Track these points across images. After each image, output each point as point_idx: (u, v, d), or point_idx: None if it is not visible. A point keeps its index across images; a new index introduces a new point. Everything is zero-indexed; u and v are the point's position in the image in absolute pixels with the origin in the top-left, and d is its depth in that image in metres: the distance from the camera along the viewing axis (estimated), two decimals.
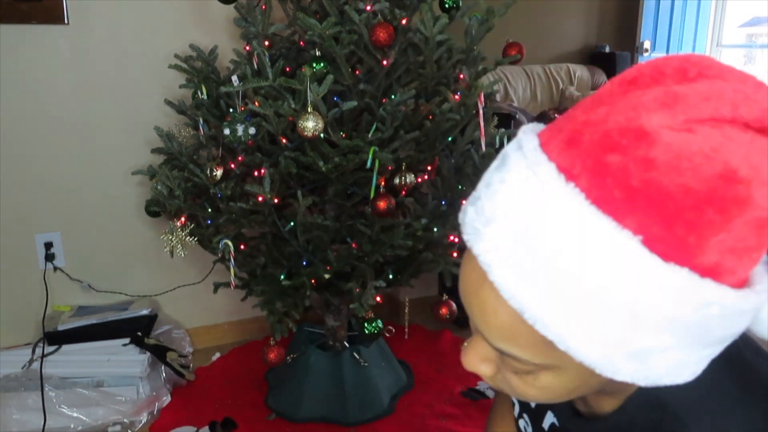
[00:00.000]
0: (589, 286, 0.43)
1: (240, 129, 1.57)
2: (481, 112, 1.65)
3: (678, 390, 0.51)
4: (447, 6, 1.67)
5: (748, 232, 0.42)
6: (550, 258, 0.43)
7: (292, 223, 1.68)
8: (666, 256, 0.42)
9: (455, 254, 1.81)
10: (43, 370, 1.90)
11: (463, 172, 1.78)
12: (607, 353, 0.46)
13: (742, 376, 0.57)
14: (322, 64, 1.52)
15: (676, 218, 0.41)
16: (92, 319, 2.06)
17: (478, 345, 0.55)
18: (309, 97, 1.45)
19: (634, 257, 0.42)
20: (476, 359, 0.55)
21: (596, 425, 0.62)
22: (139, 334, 2.03)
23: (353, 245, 1.66)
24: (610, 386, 0.56)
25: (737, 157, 0.41)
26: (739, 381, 0.56)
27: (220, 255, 1.81)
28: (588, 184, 0.43)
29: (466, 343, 0.56)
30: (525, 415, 0.79)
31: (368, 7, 1.54)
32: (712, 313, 0.44)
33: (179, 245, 1.73)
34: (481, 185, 0.49)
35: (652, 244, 0.42)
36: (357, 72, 1.66)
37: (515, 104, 5.07)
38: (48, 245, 2.14)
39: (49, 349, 1.98)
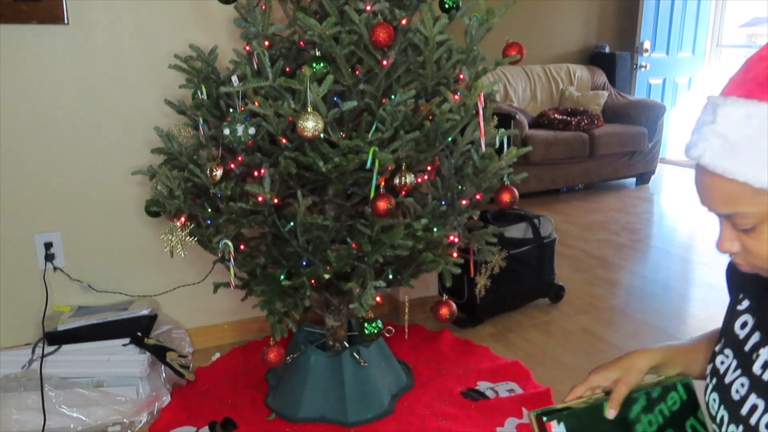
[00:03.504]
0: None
1: (240, 129, 1.57)
2: (481, 112, 1.65)
3: None
4: (447, 6, 1.67)
5: None
6: (748, 143, 0.70)
7: (292, 223, 1.68)
8: None
9: (455, 254, 1.81)
10: (43, 370, 1.90)
11: (463, 172, 1.78)
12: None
13: None
14: (322, 64, 1.52)
15: None
16: (92, 319, 2.06)
17: (725, 230, 0.76)
18: (309, 97, 1.45)
19: None
20: (726, 242, 0.76)
21: None
22: (139, 334, 2.03)
23: (353, 245, 1.66)
24: None
25: None
26: None
27: (220, 255, 1.81)
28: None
29: (717, 238, 0.78)
30: (727, 351, 0.89)
31: (368, 7, 1.54)
32: None
33: (179, 245, 1.73)
34: (698, 135, 0.77)
35: None
36: (357, 72, 1.66)
37: (515, 104, 5.07)
38: (48, 245, 2.14)
39: (48, 349, 1.98)
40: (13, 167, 2.06)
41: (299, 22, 1.55)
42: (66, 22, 2.02)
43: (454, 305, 1.84)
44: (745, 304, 0.89)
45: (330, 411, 1.91)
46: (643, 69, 5.66)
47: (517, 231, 2.68)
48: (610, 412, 0.95)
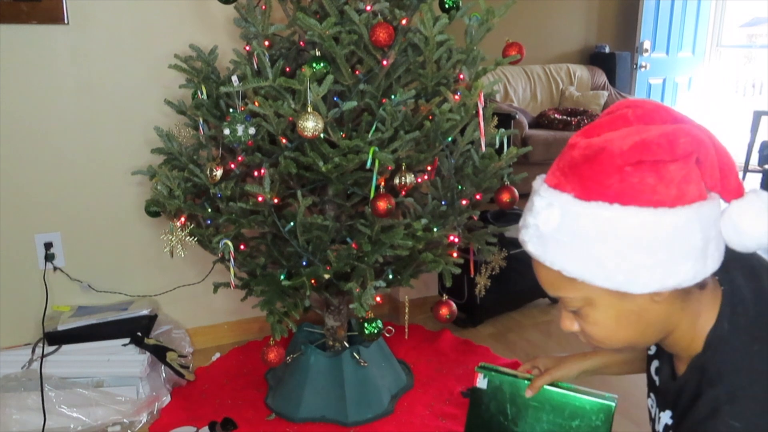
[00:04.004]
0: (577, 241, 0.73)
1: (240, 129, 1.57)
2: (481, 112, 1.65)
3: (717, 360, 0.74)
4: (447, 6, 1.67)
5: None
6: (554, 234, 0.74)
7: (292, 223, 1.68)
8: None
9: (455, 254, 1.81)
10: (42, 370, 1.90)
11: (463, 172, 1.78)
12: (603, 275, 0.72)
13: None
14: (322, 64, 1.52)
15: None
16: (92, 319, 2.06)
17: (563, 311, 0.83)
18: (309, 97, 1.45)
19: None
20: (566, 321, 0.83)
21: (673, 385, 0.84)
22: (139, 334, 2.03)
23: (353, 245, 1.66)
24: (671, 345, 0.82)
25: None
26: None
27: (220, 255, 1.81)
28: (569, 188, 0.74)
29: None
30: (651, 394, 0.95)
31: (368, 7, 1.54)
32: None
33: (179, 245, 1.73)
34: (524, 221, 0.81)
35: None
36: (357, 72, 1.66)
37: (515, 104, 5.07)
38: (48, 245, 2.14)
39: (48, 349, 1.98)
40: (13, 167, 2.06)
41: (299, 22, 1.55)
42: (66, 22, 2.02)
43: (454, 305, 1.84)
44: (653, 348, 0.96)
45: (330, 411, 1.91)
46: (643, 69, 5.66)
47: (517, 231, 2.68)
48: (527, 392, 1.09)
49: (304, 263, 1.70)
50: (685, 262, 0.71)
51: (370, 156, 1.51)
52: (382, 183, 1.61)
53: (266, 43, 1.70)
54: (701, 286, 0.76)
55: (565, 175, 0.74)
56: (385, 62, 1.61)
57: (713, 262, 0.74)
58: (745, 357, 0.73)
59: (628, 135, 0.70)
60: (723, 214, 0.74)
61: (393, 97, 1.58)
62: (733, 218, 0.73)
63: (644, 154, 0.68)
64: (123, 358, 1.99)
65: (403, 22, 1.61)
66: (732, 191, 0.74)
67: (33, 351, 1.99)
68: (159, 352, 2.04)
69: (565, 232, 0.73)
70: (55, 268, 2.17)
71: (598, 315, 0.77)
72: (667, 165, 0.69)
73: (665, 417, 0.86)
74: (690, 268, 0.71)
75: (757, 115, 5.26)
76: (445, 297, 1.86)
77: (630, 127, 0.73)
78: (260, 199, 1.62)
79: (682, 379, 0.81)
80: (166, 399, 2.02)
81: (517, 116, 4.44)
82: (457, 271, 1.78)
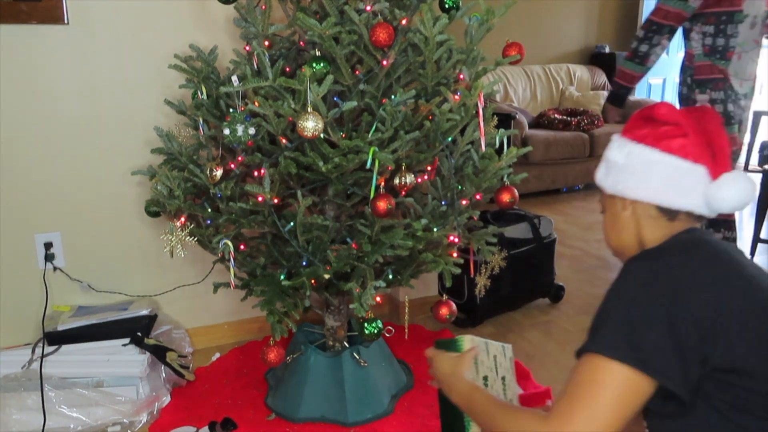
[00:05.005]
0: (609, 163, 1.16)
1: (240, 129, 1.57)
2: (481, 112, 1.65)
3: (652, 248, 1.06)
4: (447, 6, 1.67)
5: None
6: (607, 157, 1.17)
7: (292, 223, 1.68)
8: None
9: (455, 254, 1.81)
10: (42, 370, 1.90)
11: (463, 172, 1.78)
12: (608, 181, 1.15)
13: (686, 250, 1.02)
14: (322, 64, 1.52)
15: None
16: (92, 319, 2.06)
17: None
18: (309, 98, 1.45)
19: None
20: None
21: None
22: (139, 334, 2.03)
23: (353, 245, 1.66)
24: (622, 245, 1.21)
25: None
26: (686, 246, 1.03)
27: (220, 255, 1.81)
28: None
29: None
30: None
31: (368, 7, 1.54)
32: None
33: (179, 245, 1.73)
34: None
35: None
36: (357, 72, 1.66)
37: (515, 104, 5.07)
38: (48, 245, 2.14)
39: (48, 349, 1.98)
40: (13, 167, 2.06)
41: (299, 22, 1.55)
42: (66, 22, 2.02)
43: (454, 305, 1.84)
44: None
45: (330, 411, 1.91)
46: None
47: (517, 231, 2.68)
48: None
49: (304, 263, 1.70)
50: (633, 180, 1.10)
51: (370, 156, 1.51)
52: (382, 183, 1.61)
53: (266, 43, 1.70)
54: (670, 217, 1.09)
55: (626, 129, 1.16)
56: (385, 62, 1.61)
57: (656, 193, 1.08)
58: (658, 247, 1.05)
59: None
60: (711, 185, 1.05)
61: (393, 97, 1.58)
62: (711, 190, 1.04)
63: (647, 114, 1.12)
64: (123, 358, 1.99)
65: (403, 22, 1.61)
66: (720, 168, 1.06)
67: (33, 351, 1.99)
68: (159, 352, 2.04)
69: (611, 163, 1.17)
70: (55, 268, 2.17)
71: (605, 216, 1.23)
72: (656, 123, 1.09)
73: None
74: (633, 185, 1.10)
75: (757, 116, 5.26)
76: (445, 297, 1.86)
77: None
78: (260, 199, 1.62)
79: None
80: (166, 399, 2.02)
81: (517, 116, 4.44)
82: (457, 271, 1.78)
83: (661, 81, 5.83)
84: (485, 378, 1.29)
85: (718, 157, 1.06)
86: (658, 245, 1.06)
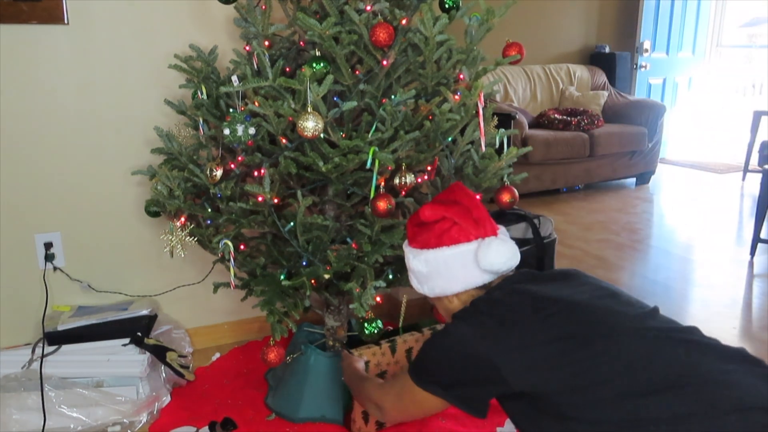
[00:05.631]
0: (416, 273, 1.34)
1: (240, 129, 1.57)
2: (481, 112, 1.65)
3: (466, 309, 1.24)
4: (447, 6, 1.67)
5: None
6: (411, 268, 1.36)
7: (292, 223, 1.68)
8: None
9: None
10: (42, 370, 1.90)
11: (463, 172, 1.78)
12: (425, 288, 1.33)
13: (488, 300, 1.22)
14: (322, 64, 1.52)
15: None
16: (92, 319, 2.06)
17: None
18: (309, 97, 1.45)
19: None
20: None
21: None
22: (139, 334, 2.03)
23: (353, 245, 1.66)
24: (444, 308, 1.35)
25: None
26: (481, 308, 1.21)
27: (220, 255, 1.81)
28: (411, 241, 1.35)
29: None
30: None
31: (368, 7, 1.54)
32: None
33: (179, 245, 1.73)
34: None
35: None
36: (357, 72, 1.66)
37: (515, 104, 5.07)
38: (48, 245, 2.14)
39: (48, 349, 1.98)
40: (13, 167, 2.06)
41: (299, 22, 1.55)
42: (66, 22, 2.02)
43: None
44: None
45: (330, 411, 1.91)
46: (643, 69, 5.66)
47: (517, 231, 2.68)
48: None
49: (304, 263, 1.70)
50: (441, 280, 1.28)
51: (370, 156, 1.51)
52: (382, 183, 1.61)
53: (266, 43, 1.70)
54: (485, 288, 1.27)
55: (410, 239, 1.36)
56: (385, 62, 1.61)
57: (464, 280, 1.26)
58: (468, 309, 1.23)
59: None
60: (477, 248, 1.24)
61: (393, 97, 1.58)
62: (478, 253, 1.23)
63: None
64: (123, 358, 1.99)
65: (403, 22, 1.61)
66: (489, 232, 1.25)
67: (33, 351, 1.99)
68: (159, 352, 2.04)
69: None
70: (55, 268, 2.17)
71: (438, 308, 1.37)
72: (430, 226, 1.27)
73: None
74: (445, 284, 1.28)
75: (757, 115, 5.26)
76: None
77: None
78: (260, 199, 1.62)
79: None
80: (166, 399, 2.02)
81: (517, 116, 4.44)
82: None
83: (661, 81, 5.83)
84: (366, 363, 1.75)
85: (481, 223, 1.25)
86: (470, 306, 1.24)
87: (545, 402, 1.08)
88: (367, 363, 1.76)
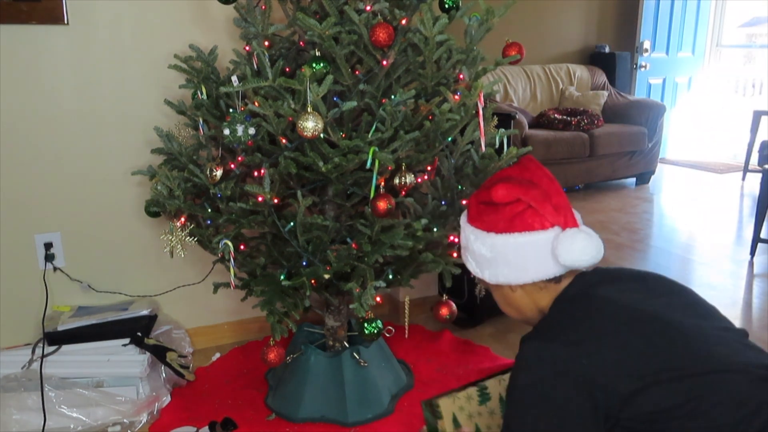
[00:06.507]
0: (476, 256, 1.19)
1: (240, 129, 1.57)
2: (481, 112, 1.65)
3: (541, 323, 1.12)
4: (447, 6, 1.67)
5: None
6: (470, 249, 1.20)
7: (292, 224, 1.68)
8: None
9: (455, 254, 1.81)
10: (43, 371, 1.90)
11: (463, 172, 1.78)
12: (485, 274, 1.19)
13: (573, 316, 1.07)
14: (322, 64, 1.52)
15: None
16: (92, 320, 2.06)
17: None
18: (309, 97, 1.45)
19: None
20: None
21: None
22: (139, 334, 2.03)
23: (353, 245, 1.66)
24: (525, 316, 1.23)
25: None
26: (567, 320, 1.07)
27: (220, 255, 1.81)
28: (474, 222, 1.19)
29: None
30: None
31: (368, 7, 1.54)
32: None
33: (179, 245, 1.73)
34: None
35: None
36: (357, 72, 1.66)
37: (515, 104, 5.07)
38: (48, 245, 2.14)
39: (49, 349, 1.98)
40: (13, 167, 2.06)
41: (299, 22, 1.55)
42: (66, 22, 2.02)
43: (454, 305, 1.84)
44: None
45: (330, 411, 1.91)
46: (643, 69, 5.66)
47: None
48: None
49: (304, 263, 1.70)
50: (508, 269, 1.14)
51: (370, 156, 1.51)
52: (382, 183, 1.61)
53: (266, 43, 1.70)
54: (557, 281, 1.14)
55: (472, 218, 1.20)
56: (385, 62, 1.61)
57: (535, 272, 1.12)
58: (554, 317, 1.10)
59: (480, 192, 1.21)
60: (556, 240, 1.09)
61: (393, 97, 1.58)
62: (558, 245, 1.09)
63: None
64: (123, 358, 1.99)
65: (403, 22, 1.61)
66: (570, 222, 1.11)
67: (33, 351, 1.99)
68: (159, 352, 2.04)
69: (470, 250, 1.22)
70: (55, 268, 2.17)
71: (495, 296, 1.27)
72: (500, 207, 1.13)
73: None
74: (511, 273, 1.14)
75: (757, 115, 5.26)
76: (445, 297, 1.86)
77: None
78: (260, 199, 1.62)
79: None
80: (166, 399, 2.02)
81: (517, 116, 4.43)
82: (457, 271, 1.78)
83: (661, 81, 5.83)
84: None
85: (560, 211, 1.11)
86: (546, 318, 1.12)
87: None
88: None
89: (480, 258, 1.17)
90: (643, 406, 0.94)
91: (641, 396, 0.94)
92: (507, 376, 1.47)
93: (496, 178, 1.17)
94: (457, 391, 1.43)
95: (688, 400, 0.93)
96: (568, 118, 4.86)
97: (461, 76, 1.69)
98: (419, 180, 1.73)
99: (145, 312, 2.15)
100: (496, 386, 1.47)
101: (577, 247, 1.07)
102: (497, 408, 1.45)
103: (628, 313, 1.03)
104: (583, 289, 1.11)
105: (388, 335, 1.95)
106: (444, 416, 1.39)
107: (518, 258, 1.11)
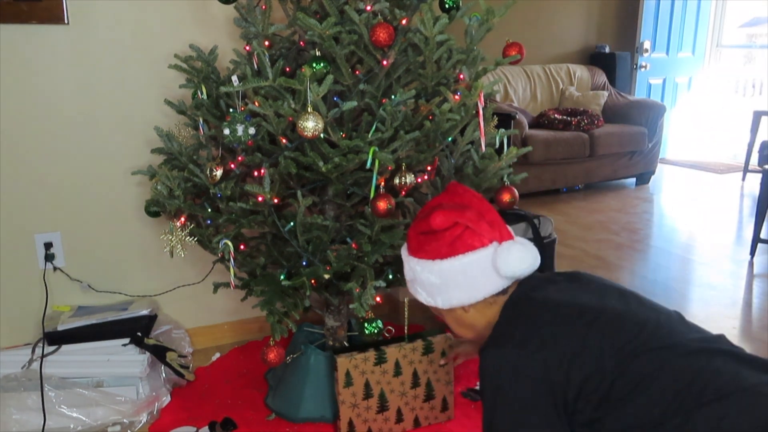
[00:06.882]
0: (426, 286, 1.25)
1: (240, 129, 1.57)
2: (481, 112, 1.65)
3: (493, 332, 1.18)
4: (447, 6, 1.67)
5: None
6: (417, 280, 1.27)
7: (292, 223, 1.68)
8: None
9: None
10: (42, 370, 1.90)
11: (463, 172, 1.78)
12: (435, 301, 1.26)
13: (517, 319, 1.15)
14: (322, 64, 1.52)
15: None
16: (92, 319, 2.06)
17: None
18: (309, 97, 1.45)
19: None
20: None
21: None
22: (139, 334, 2.03)
23: (353, 245, 1.66)
24: (479, 333, 1.27)
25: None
26: (514, 319, 1.15)
27: (220, 255, 1.81)
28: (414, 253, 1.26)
29: None
30: None
31: (368, 7, 1.54)
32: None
33: (179, 245, 1.73)
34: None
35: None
36: (357, 72, 1.66)
37: (515, 104, 5.07)
38: (48, 245, 2.14)
39: (48, 349, 1.98)
40: (13, 167, 2.06)
41: (299, 22, 1.55)
42: (66, 22, 2.02)
43: None
44: None
45: (330, 411, 1.91)
46: (643, 69, 5.66)
47: (517, 231, 2.67)
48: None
49: (304, 263, 1.70)
50: (459, 291, 1.20)
51: (370, 156, 1.51)
52: (382, 183, 1.61)
53: (266, 43, 1.70)
54: (504, 293, 1.21)
55: (413, 250, 1.25)
56: (385, 62, 1.61)
57: (484, 288, 1.18)
58: (502, 325, 1.17)
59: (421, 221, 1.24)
60: (495, 254, 1.16)
61: (393, 97, 1.58)
62: (497, 259, 1.16)
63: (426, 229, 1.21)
64: (123, 358, 1.99)
65: (403, 22, 1.61)
66: (505, 236, 1.19)
67: (33, 351, 1.99)
68: (159, 352, 2.04)
69: (416, 281, 1.29)
70: (55, 268, 2.17)
71: (448, 321, 1.31)
72: (439, 233, 1.18)
73: None
74: (463, 294, 1.19)
75: (757, 115, 5.26)
76: None
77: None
78: (260, 199, 1.61)
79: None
80: (166, 399, 2.02)
81: (517, 116, 4.44)
82: None
83: (661, 81, 5.83)
84: None
85: (495, 226, 1.19)
86: (495, 326, 1.18)
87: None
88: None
89: (430, 287, 1.22)
90: (595, 392, 1.03)
91: (590, 382, 1.03)
92: (405, 344, 1.80)
93: (429, 207, 1.23)
94: (357, 353, 1.74)
95: (632, 380, 1.02)
96: (568, 118, 4.86)
97: (461, 76, 1.69)
98: (419, 180, 1.73)
99: (144, 312, 2.15)
100: (395, 353, 1.79)
101: (513, 258, 1.15)
102: (391, 369, 1.79)
103: (567, 307, 1.11)
104: (523, 294, 1.19)
105: (388, 335, 1.95)
106: (339, 370, 1.72)
107: (467, 278, 1.17)
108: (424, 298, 1.26)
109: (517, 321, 1.14)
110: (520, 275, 1.18)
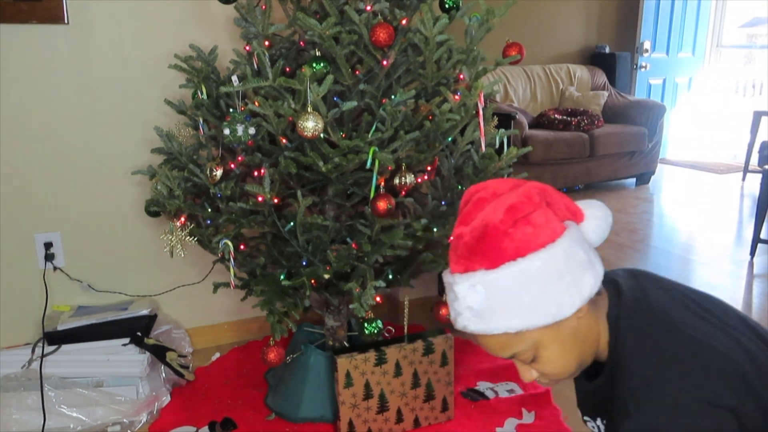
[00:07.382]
0: (507, 300, 0.87)
1: (240, 129, 1.57)
2: (481, 112, 1.65)
3: (619, 343, 0.91)
4: (447, 6, 1.67)
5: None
6: (486, 306, 0.88)
7: (292, 223, 1.68)
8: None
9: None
10: (42, 370, 1.90)
11: (463, 172, 1.78)
12: (538, 315, 0.87)
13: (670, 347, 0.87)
14: (322, 64, 1.52)
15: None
16: (92, 319, 2.06)
17: (519, 366, 0.96)
18: (309, 97, 1.45)
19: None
20: (525, 374, 0.96)
21: (590, 386, 1.00)
22: (139, 334, 2.03)
23: (353, 245, 1.66)
24: (586, 356, 0.95)
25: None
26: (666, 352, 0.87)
27: (219, 255, 1.81)
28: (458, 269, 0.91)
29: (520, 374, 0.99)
30: (581, 413, 1.10)
31: (368, 7, 1.54)
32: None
33: (179, 245, 1.73)
34: (455, 312, 0.93)
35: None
36: (357, 72, 1.66)
37: (515, 104, 5.07)
38: (48, 245, 2.14)
39: (48, 349, 1.98)
40: (13, 167, 2.06)
41: (299, 22, 1.55)
42: (66, 22, 2.02)
43: None
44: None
45: (330, 411, 1.91)
46: (643, 69, 5.66)
47: None
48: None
49: (304, 263, 1.70)
50: (584, 274, 0.89)
51: (370, 156, 1.51)
52: (382, 183, 1.61)
53: (266, 43, 1.70)
54: (599, 291, 0.92)
55: (468, 258, 0.89)
56: (385, 62, 1.61)
57: (599, 266, 0.92)
58: (639, 341, 0.90)
59: (495, 208, 0.88)
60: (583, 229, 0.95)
61: (393, 97, 1.58)
62: (589, 228, 0.95)
63: (515, 214, 0.87)
64: (123, 358, 1.99)
65: (403, 22, 1.61)
66: (578, 214, 0.96)
67: (33, 351, 1.99)
68: (159, 352, 2.04)
69: (494, 299, 0.87)
70: (55, 268, 2.17)
71: (548, 353, 0.91)
72: (533, 215, 0.87)
73: (600, 424, 1.02)
74: (590, 277, 0.89)
75: (757, 115, 5.26)
76: (444, 297, 1.85)
77: (491, 202, 0.90)
78: (260, 199, 1.61)
79: (599, 379, 0.97)
80: (166, 399, 2.02)
81: (517, 116, 4.44)
82: None
83: (661, 81, 5.83)
84: None
85: (556, 207, 0.92)
86: (628, 349, 0.91)
87: None
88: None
89: (510, 305, 0.87)
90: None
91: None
92: (406, 345, 1.79)
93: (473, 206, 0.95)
94: (358, 353, 1.74)
95: None
96: (568, 119, 4.86)
97: (461, 76, 1.69)
98: (419, 180, 1.73)
99: (144, 312, 2.15)
100: (395, 353, 1.78)
101: (599, 217, 0.97)
102: (391, 370, 1.78)
103: (695, 306, 0.92)
104: (632, 295, 0.94)
105: (388, 335, 1.95)
106: (339, 371, 1.72)
107: (556, 279, 0.87)
108: (502, 325, 0.87)
109: (661, 333, 0.88)
110: (605, 236, 0.95)
